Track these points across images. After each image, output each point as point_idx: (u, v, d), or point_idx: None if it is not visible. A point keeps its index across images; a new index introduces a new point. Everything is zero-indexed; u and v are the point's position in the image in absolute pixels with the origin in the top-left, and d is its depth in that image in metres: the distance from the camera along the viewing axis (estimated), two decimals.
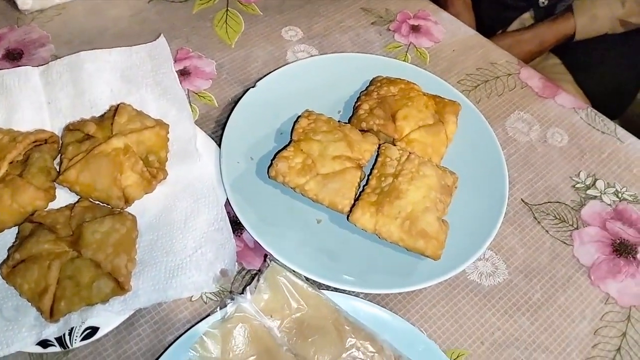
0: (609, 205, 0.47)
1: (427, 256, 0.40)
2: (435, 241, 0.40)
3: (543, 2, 0.79)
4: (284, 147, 0.44)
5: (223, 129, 0.46)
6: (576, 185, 0.48)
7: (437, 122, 0.47)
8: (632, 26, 0.77)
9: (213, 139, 0.46)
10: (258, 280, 0.39)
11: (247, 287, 0.38)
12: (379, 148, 0.45)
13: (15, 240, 0.39)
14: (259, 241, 0.40)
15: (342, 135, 0.44)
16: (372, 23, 0.57)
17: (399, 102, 0.47)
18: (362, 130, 0.46)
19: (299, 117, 0.45)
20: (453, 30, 0.58)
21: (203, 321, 0.37)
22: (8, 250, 0.39)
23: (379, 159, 0.44)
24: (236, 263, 0.40)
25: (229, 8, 0.56)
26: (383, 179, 0.42)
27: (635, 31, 0.79)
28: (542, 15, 0.79)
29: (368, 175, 0.44)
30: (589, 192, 0.48)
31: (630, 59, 0.80)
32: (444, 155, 0.46)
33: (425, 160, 0.43)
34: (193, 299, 0.39)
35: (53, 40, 0.52)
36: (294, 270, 0.39)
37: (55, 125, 0.45)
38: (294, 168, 0.42)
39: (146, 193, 0.43)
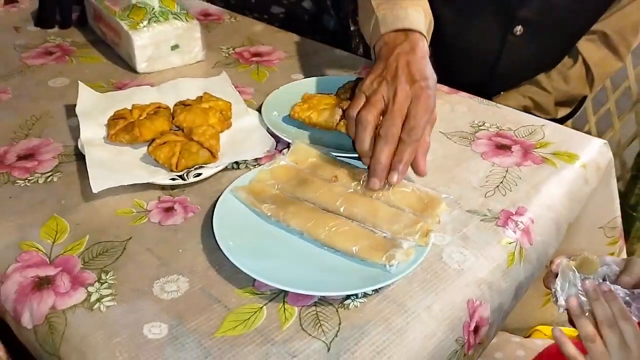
0: (492, 132, 0.79)
1: None
2: None
3: None
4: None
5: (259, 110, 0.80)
6: (472, 125, 0.80)
7: None
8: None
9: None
10: (289, 148, 0.69)
11: (282, 151, 0.68)
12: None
13: (151, 143, 0.70)
14: (287, 140, 0.71)
15: (329, 96, 0.78)
16: (345, 72, 0.95)
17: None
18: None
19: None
20: None
21: (257, 167, 0.66)
22: (148, 146, 0.69)
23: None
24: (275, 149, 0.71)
25: (259, 69, 0.94)
26: None
27: None
28: None
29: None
30: (480, 127, 0.80)
31: None
32: None
33: None
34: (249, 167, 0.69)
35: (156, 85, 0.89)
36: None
37: None
38: (303, 109, 0.75)
39: (221, 131, 0.74)
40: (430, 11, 0.81)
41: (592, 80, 1.09)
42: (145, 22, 0.88)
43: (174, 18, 0.91)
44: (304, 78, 0.90)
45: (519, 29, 1.01)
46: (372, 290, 0.54)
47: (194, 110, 0.74)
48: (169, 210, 0.63)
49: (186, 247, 0.58)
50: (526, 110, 1.12)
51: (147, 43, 0.88)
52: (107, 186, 0.63)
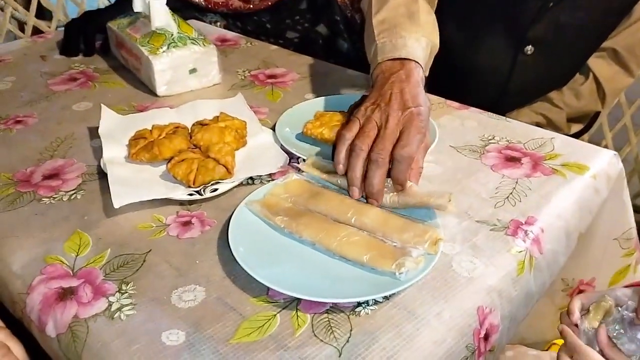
0: (502, 145, 0.80)
1: None
2: None
3: None
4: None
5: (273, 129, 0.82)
6: (482, 139, 0.82)
7: None
8: None
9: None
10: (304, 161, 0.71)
11: (299, 160, 0.71)
12: None
13: (169, 161, 0.72)
14: (300, 155, 0.74)
15: (341, 114, 0.80)
16: (358, 91, 0.97)
17: None
18: None
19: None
20: None
21: (271, 182, 0.69)
22: (166, 163, 0.72)
23: None
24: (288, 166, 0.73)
25: (274, 90, 0.97)
26: None
27: None
28: None
29: None
30: (490, 141, 0.81)
31: None
32: None
33: None
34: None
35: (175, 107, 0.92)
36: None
37: None
38: (315, 126, 0.77)
39: (237, 149, 0.77)
40: (435, 34, 0.83)
41: (604, 96, 1.10)
42: (164, 48, 0.92)
43: (192, 43, 0.95)
44: (317, 97, 0.93)
45: (529, 49, 1.02)
46: (383, 298, 0.55)
47: (210, 129, 0.77)
48: (186, 224, 0.65)
49: (203, 258, 0.61)
50: (538, 126, 1.12)
51: (166, 67, 0.92)
52: (127, 202, 0.65)
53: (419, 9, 0.82)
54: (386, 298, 0.55)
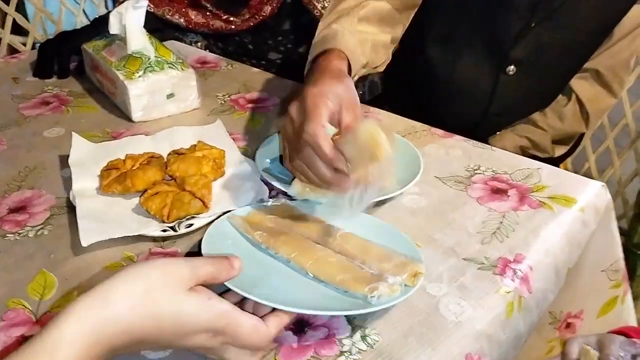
0: (488, 176, 0.78)
1: None
2: None
3: None
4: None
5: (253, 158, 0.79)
6: (467, 169, 0.79)
7: None
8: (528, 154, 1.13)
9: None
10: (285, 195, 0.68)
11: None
12: None
13: (142, 193, 0.69)
14: (280, 187, 0.71)
15: None
16: None
17: None
18: None
19: None
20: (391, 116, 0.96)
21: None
22: (140, 196, 0.69)
23: None
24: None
25: (254, 115, 0.95)
26: None
27: None
28: None
29: None
30: (475, 171, 0.79)
31: None
32: None
33: None
34: None
35: (151, 134, 0.89)
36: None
37: None
38: None
39: (214, 179, 0.74)
40: (378, 29, 0.88)
41: (587, 117, 1.09)
42: (140, 72, 0.89)
43: (170, 67, 0.92)
44: None
45: (511, 69, 1.01)
46: (367, 346, 0.52)
47: (187, 160, 0.73)
48: None
49: None
50: (523, 150, 1.11)
51: (142, 92, 0.89)
52: (96, 239, 0.62)
53: (365, 6, 0.85)
54: (370, 347, 0.52)
